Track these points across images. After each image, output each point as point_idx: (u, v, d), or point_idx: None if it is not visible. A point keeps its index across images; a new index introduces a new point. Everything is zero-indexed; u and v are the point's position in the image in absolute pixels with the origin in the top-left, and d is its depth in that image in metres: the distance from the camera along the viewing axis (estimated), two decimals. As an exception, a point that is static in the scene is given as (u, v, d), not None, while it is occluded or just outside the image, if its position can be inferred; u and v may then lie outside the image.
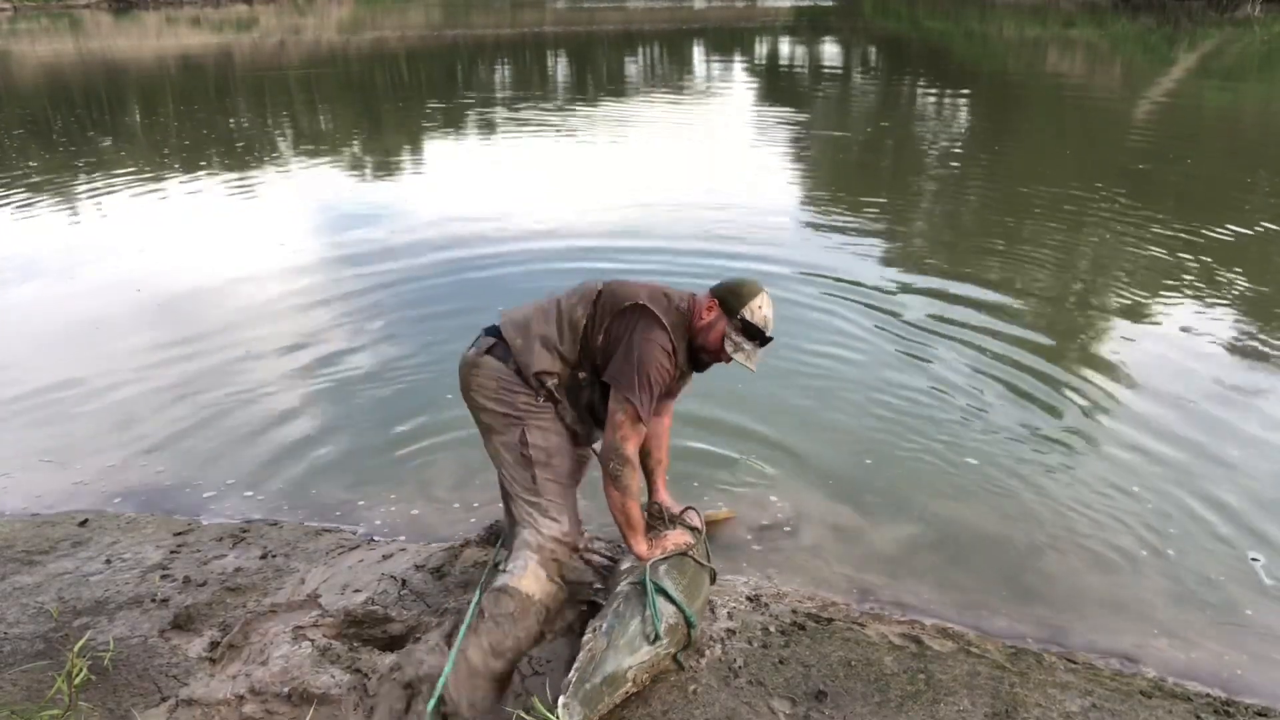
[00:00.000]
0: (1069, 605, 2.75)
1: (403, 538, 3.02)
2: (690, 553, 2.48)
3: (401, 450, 3.60)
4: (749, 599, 2.63)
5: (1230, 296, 5.24)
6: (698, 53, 23.59)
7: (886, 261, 6.04)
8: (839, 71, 19.03)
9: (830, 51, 23.80)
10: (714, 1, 42.70)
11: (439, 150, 10.86)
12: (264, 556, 2.84)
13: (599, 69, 20.48)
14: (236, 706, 2.13)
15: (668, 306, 2.39)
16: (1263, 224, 6.62)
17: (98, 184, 8.43)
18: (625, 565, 2.48)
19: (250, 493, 3.36)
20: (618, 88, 16.46)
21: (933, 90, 15.61)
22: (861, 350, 4.52)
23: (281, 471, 3.50)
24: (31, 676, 2.25)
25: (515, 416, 2.41)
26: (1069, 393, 4.06)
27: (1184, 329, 4.79)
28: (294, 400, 4.06)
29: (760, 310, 2.38)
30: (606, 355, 2.38)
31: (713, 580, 2.57)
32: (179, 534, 3.01)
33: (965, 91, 15.43)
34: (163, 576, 2.71)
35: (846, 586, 2.82)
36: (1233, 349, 4.52)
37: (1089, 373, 4.26)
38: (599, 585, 2.60)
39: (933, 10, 35.33)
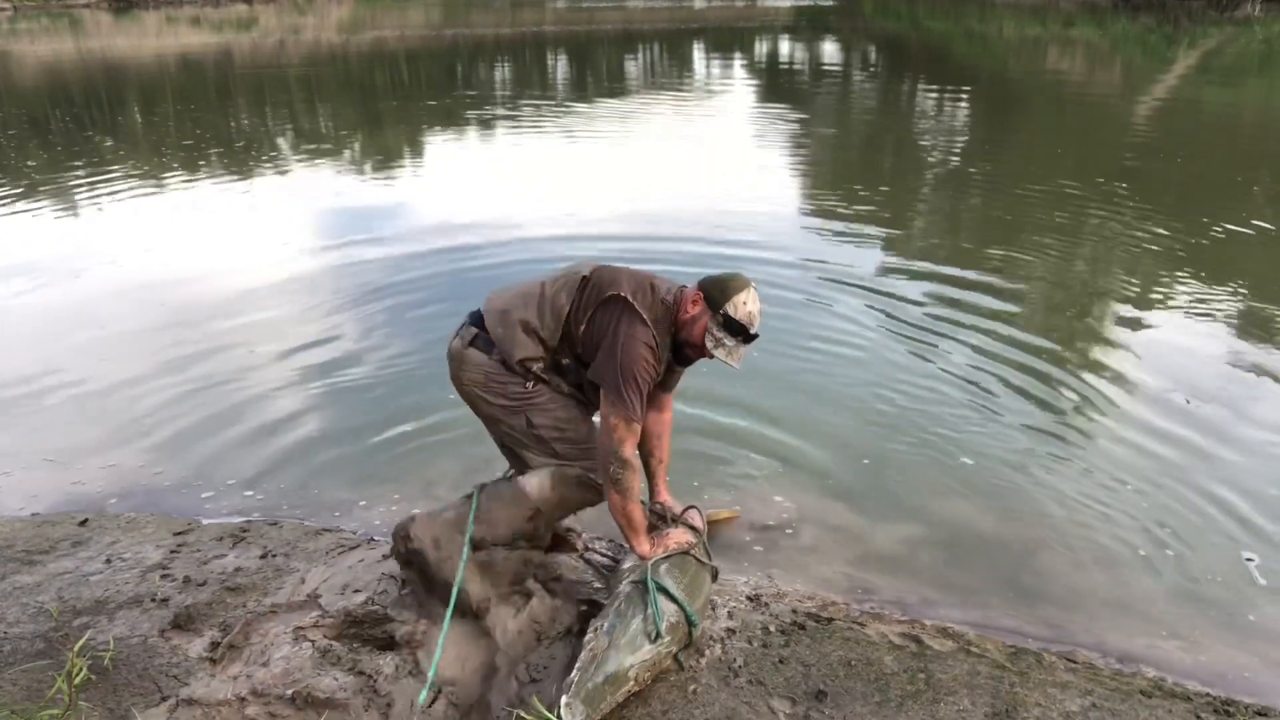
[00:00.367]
0: (1069, 605, 2.75)
1: (403, 537, 3.02)
2: (692, 551, 2.48)
3: (402, 449, 3.60)
4: (749, 598, 2.63)
5: (1231, 295, 5.25)
6: (698, 52, 23.58)
7: (887, 258, 6.05)
8: (839, 71, 19.03)
9: (830, 51, 23.81)
10: (714, 1, 42.69)
11: (440, 149, 10.87)
12: (264, 556, 2.84)
13: (599, 69, 20.48)
14: (239, 708, 2.13)
15: (652, 300, 2.36)
16: (1263, 222, 6.63)
17: (98, 184, 8.43)
18: (627, 564, 2.49)
19: (250, 493, 3.36)
20: (617, 87, 16.45)
21: (933, 90, 15.61)
22: (862, 347, 4.53)
23: (281, 471, 3.50)
24: (31, 676, 2.25)
25: (514, 406, 2.43)
26: (1068, 391, 4.06)
27: (1184, 327, 4.80)
28: (294, 399, 4.06)
29: (745, 306, 2.31)
30: (590, 346, 2.36)
31: (714, 578, 2.57)
32: (179, 534, 3.01)
33: (965, 90, 15.43)
34: (163, 576, 2.71)
35: (846, 586, 2.83)
36: (1233, 347, 4.52)
37: (1088, 372, 4.26)
38: (600, 585, 2.60)
39: (933, 10, 35.32)
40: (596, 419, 2.46)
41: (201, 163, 9.52)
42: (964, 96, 14.87)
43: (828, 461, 3.50)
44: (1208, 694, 2.34)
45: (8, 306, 5.34)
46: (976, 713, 2.16)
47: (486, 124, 12.12)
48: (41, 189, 8.27)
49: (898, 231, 6.88)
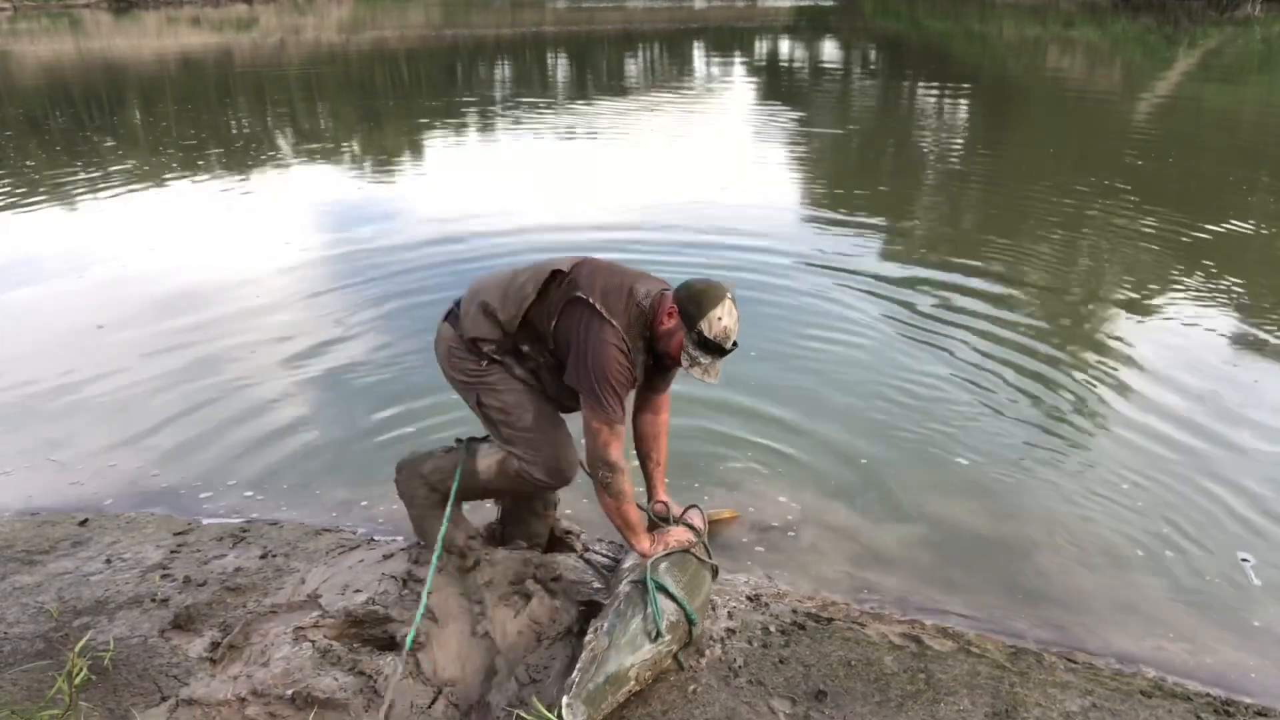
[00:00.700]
0: (1069, 605, 2.75)
1: (403, 538, 3.01)
2: (692, 550, 2.48)
3: (403, 449, 3.59)
4: (749, 598, 2.63)
5: (1231, 294, 5.25)
6: (698, 52, 23.58)
7: (887, 256, 6.05)
8: (839, 71, 19.03)
9: (830, 51, 23.80)
10: (714, 1, 42.68)
11: (440, 148, 10.85)
12: (264, 556, 2.84)
13: (599, 69, 20.47)
14: (239, 708, 2.13)
15: (626, 302, 2.30)
16: (1264, 221, 6.63)
17: (98, 183, 8.43)
18: (627, 564, 2.49)
19: (250, 492, 3.36)
20: (618, 87, 16.45)
21: (933, 89, 15.61)
22: (862, 346, 4.53)
23: (281, 471, 3.50)
24: (32, 676, 2.25)
25: (469, 382, 2.47)
26: (1067, 390, 4.06)
27: (1184, 325, 4.80)
28: (295, 399, 4.06)
29: (720, 322, 2.22)
30: (561, 343, 2.34)
31: (714, 576, 2.57)
32: (179, 534, 3.01)
33: (965, 90, 15.43)
34: (163, 576, 2.71)
35: (846, 586, 2.83)
36: (1233, 346, 4.53)
37: (1088, 371, 4.26)
38: (600, 585, 2.60)
39: (933, 10, 35.32)
40: (567, 415, 2.51)
41: (201, 162, 9.52)
42: (964, 96, 14.86)
43: (828, 461, 3.50)
44: (1208, 694, 2.34)
45: (8, 306, 5.34)
46: (976, 713, 2.16)
47: (486, 123, 12.12)
48: (41, 189, 8.27)
49: (898, 230, 6.88)
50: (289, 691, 2.16)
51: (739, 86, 16.47)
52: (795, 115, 12.66)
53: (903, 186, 8.49)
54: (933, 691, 2.24)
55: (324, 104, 14.68)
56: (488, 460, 2.53)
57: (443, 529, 2.51)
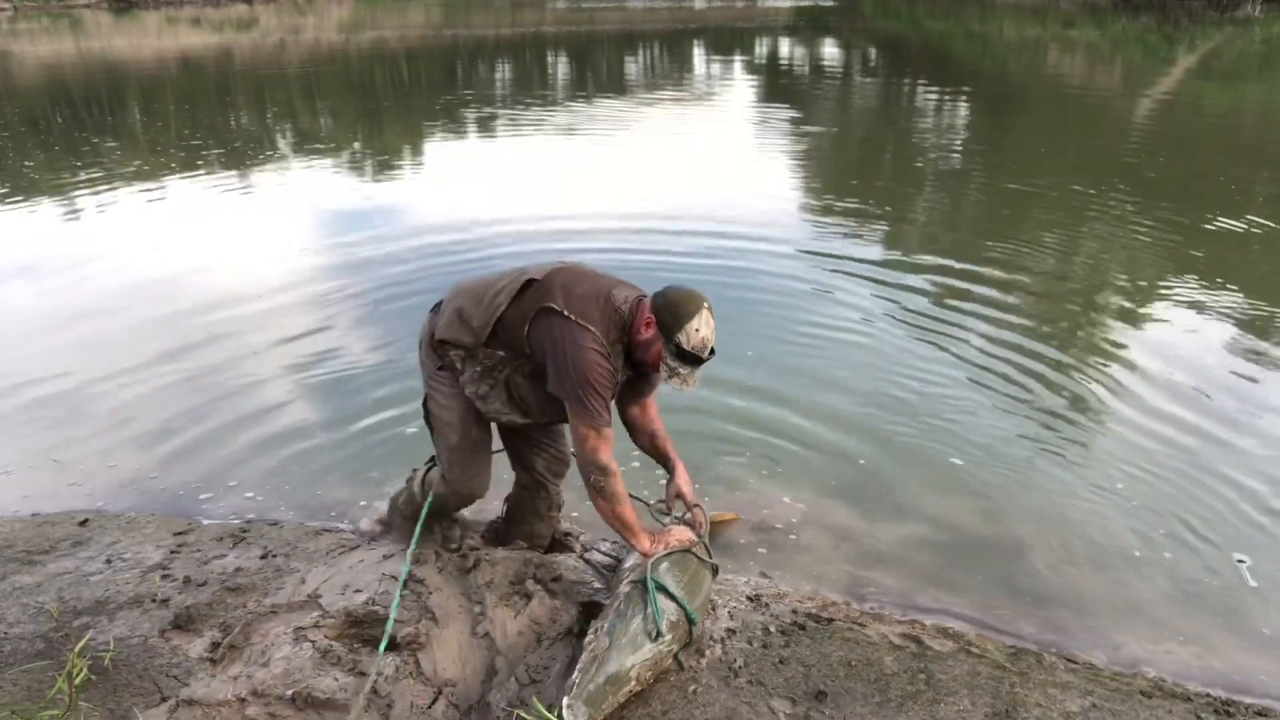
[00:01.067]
0: (1070, 605, 2.75)
1: (403, 538, 3.02)
2: (693, 550, 2.48)
3: (404, 449, 3.60)
4: (749, 599, 2.63)
5: (1232, 293, 5.25)
6: (698, 53, 23.58)
7: (888, 254, 6.06)
8: (840, 71, 19.03)
9: (831, 52, 23.80)
10: (714, 1, 42.68)
11: (440, 148, 10.86)
12: (264, 556, 2.83)
13: (599, 69, 20.47)
14: (239, 708, 2.13)
15: (603, 309, 2.29)
16: (1264, 220, 6.63)
17: (98, 183, 8.43)
18: (627, 564, 2.49)
19: (250, 493, 3.36)
20: (618, 87, 16.45)
21: (933, 89, 15.61)
22: (862, 345, 4.54)
23: (282, 471, 3.50)
24: (32, 676, 2.25)
25: (426, 381, 2.56)
26: (1067, 391, 4.07)
27: (1185, 324, 4.81)
28: (296, 400, 4.06)
29: (698, 333, 2.22)
30: (536, 351, 2.32)
31: (715, 575, 2.57)
32: (179, 534, 3.01)
33: (965, 90, 15.43)
34: (163, 576, 2.71)
35: (846, 586, 2.83)
36: (1233, 346, 4.53)
37: (1087, 371, 4.26)
38: (600, 585, 2.60)
39: (933, 10, 35.32)
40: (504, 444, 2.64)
41: (201, 162, 9.52)
42: (964, 97, 14.86)
43: (828, 461, 3.50)
44: (1208, 694, 2.34)
45: (9, 306, 5.34)
46: (976, 713, 2.16)
47: (486, 123, 12.12)
48: (41, 189, 8.27)
49: (898, 228, 6.88)
50: (289, 691, 2.16)
51: (739, 87, 16.48)
52: (795, 116, 12.67)
53: (903, 185, 8.49)
54: (933, 692, 2.24)
55: (324, 104, 14.68)
56: (431, 476, 2.69)
57: (411, 546, 2.60)
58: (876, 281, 5.40)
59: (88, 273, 5.86)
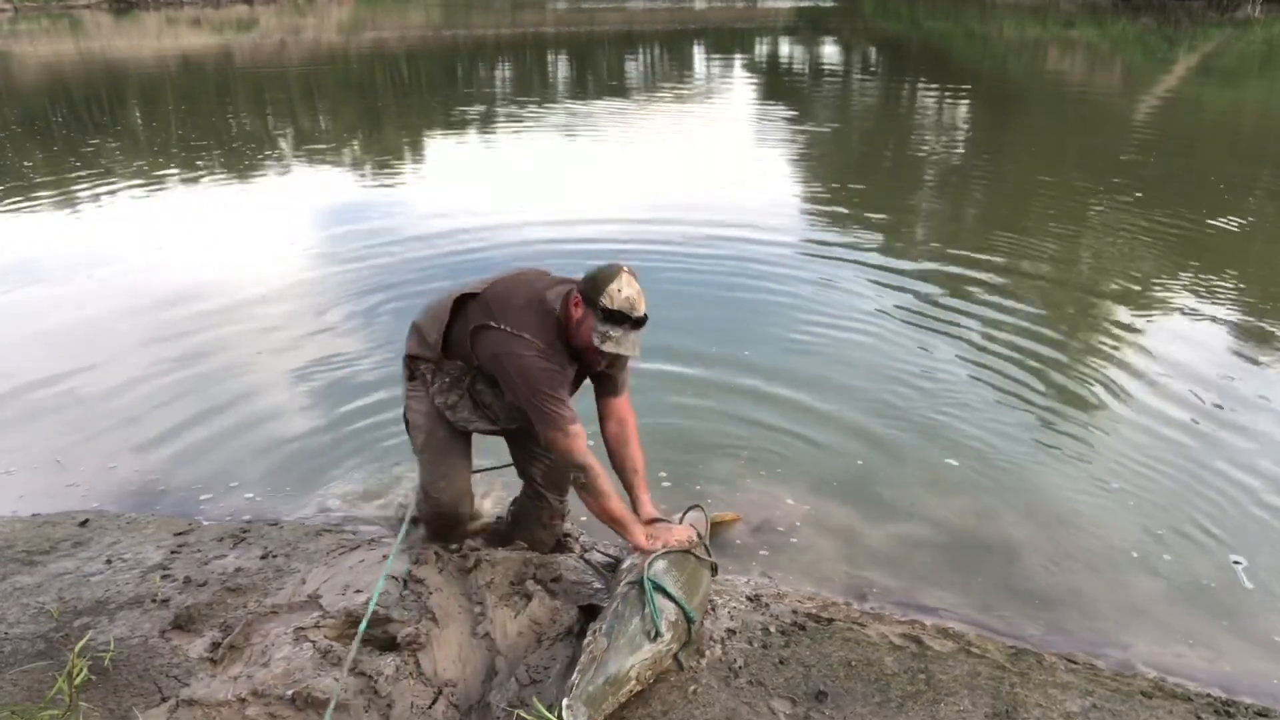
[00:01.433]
0: (1070, 605, 2.75)
1: (403, 538, 3.02)
2: (692, 549, 2.48)
3: (404, 450, 3.58)
4: (749, 599, 2.63)
5: (1231, 293, 5.25)
6: (698, 53, 23.59)
7: (888, 253, 6.06)
8: (840, 71, 19.03)
9: (831, 52, 23.80)
10: (714, 2, 42.69)
11: (440, 148, 10.87)
12: (264, 557, 2.83)
13: (599, 69, 20.48)
14: (239, 709, 2.13)
15: (538, 313, 2.33)
16: (1265, 219, 6.63)
17: (98, 183, 8.43)
18: (627, 564, 2.49)
19: (250, 493, 3.36)
20: (618, 87, 16.45)
21: (933, 89, 15.61)
22: (863, 344, 4.54)
23: (282, 471, 3.50)
24: (32, 676, 2.25)
25: (404, 393, 2.64)
26: (1067, 391, 4.07)
27: (1185, 324, 4.81)
28: (296, 400, 4.06)
29: (620, 293, 2.23)
30: (485, 364, 2.41)
31: (714, 574, 2.57)
32: (179, 534, 3.01)
33: (965, 90, 15.43)
34: (163, 577, 2.71)
35: (846, 586, 2.83)
36: (1234, 345, 4.53)
37: (1088, 371, 4.26)
38: (600, 585, 2.60)
39: (933, 10, 35.32)
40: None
41: (201, 162, 9.52)
42: (964, 96, 14.87)
43: (828, 461, 3.50)
44: (1208, 695, 2.34)
45: (9, 306, 5.34)
46: (977, 713, 2.16)
47: (487, 123, 12.12)
48: (42, 189, 8.27)
49: (898, 228, 6.88)
50: (289, 692, 2.16)
51: (740, 87, 16.48)
52: (796, 115, 12.67)
53: (903, 186, 8.49)
54: (933, 692, 2.23)
55: (324, 104, 14.69)
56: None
57: (395, 545, 2.63)
58: (877, 282, 5.41)
59: (88, 273, 5.86)
